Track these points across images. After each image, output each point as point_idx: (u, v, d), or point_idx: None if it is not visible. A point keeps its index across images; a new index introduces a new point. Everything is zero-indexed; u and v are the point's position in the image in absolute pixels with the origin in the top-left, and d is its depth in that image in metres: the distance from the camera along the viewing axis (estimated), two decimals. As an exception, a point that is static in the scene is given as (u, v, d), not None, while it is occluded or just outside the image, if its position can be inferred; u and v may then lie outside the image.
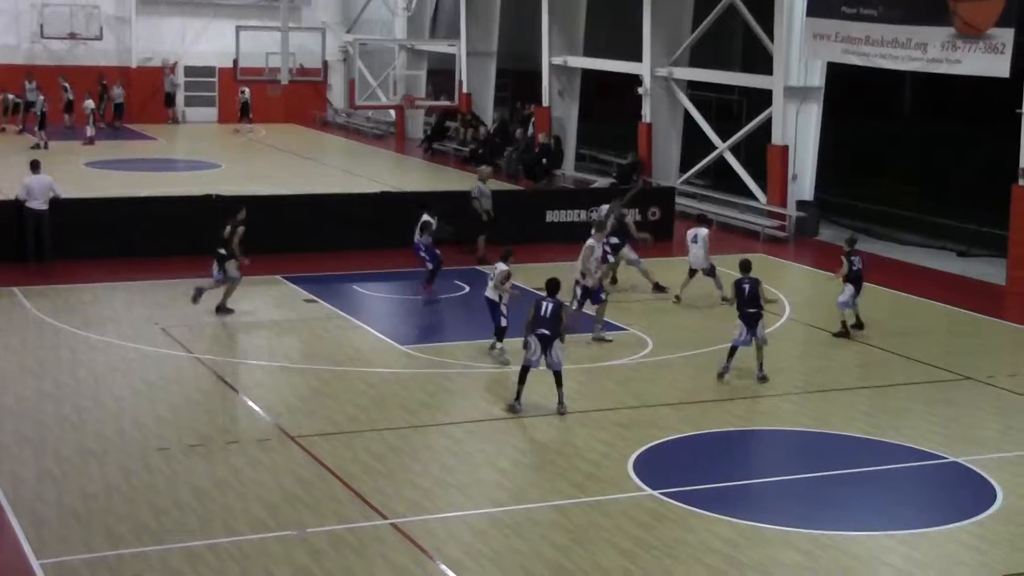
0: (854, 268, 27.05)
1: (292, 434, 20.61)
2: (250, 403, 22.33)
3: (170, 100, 62.50)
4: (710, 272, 29.78)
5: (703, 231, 29.84)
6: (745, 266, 24.73)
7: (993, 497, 18.77)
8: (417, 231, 29.30)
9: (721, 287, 29.26)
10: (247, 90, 58.03)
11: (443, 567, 16.01)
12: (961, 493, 19.19)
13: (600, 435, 20.94)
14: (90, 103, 54.25)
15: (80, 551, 16.24)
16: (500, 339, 24.90)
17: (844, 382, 24.45)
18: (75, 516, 17.28)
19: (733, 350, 24.14)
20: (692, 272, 29.90)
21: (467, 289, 30.01)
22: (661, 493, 18.46)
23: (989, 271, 34.23)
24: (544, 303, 22.07)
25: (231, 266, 27.56)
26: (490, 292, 24.84)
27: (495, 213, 33.60)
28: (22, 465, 19.08)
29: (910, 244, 38.22)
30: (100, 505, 17.65)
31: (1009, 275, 32.53)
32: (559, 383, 22.04)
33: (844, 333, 27.35)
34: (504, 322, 24.72)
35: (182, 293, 29.40)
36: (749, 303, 23.99)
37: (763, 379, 24.08)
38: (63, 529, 16.88)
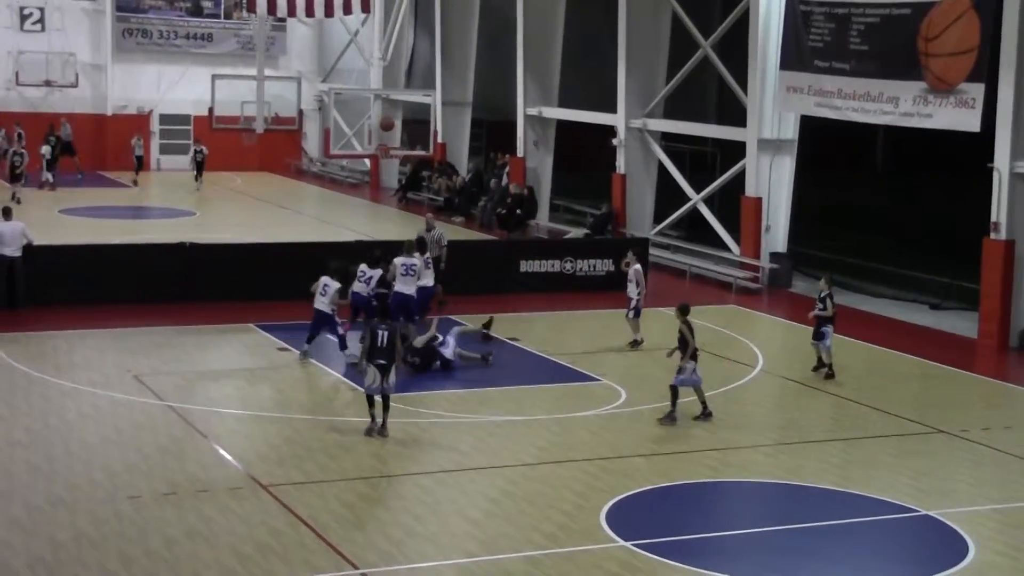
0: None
1: (263, 483, 20.50)
2: (221, 451, 22.21)
3: (69, 149, 58.58)
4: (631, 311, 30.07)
5: (638, 266, 30.32)
6: (686, 309, 25.34)
7: (965, 551, 18.73)
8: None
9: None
10: (204, 148, 56.02)
11: (414, 618, 15.95)
12: (933, 547, 19.16)
13: (572, 485, 20.86)
14: (47, 149, 53.76)
15: (48, 600, 16.14)
16: (345, 346, 27.64)
17: (816, 434, 24.43)
18: (44, 565, 17.12)
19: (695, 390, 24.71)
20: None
21: (440, 339, 29.95)
22: (633, 544, 18.39)
23: (961, 324, 34.30)
24: (380, 332, 23.02)
25: None
26: (323, 306, 27.32)
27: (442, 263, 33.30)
28: (-9, 514, 18.99)
29: (883, 297, 38.31)
30: (69, 554, 17.51)
31: (981, 328, 32.60)
32: (386, 407, 23.06)
33: (832, 374, 27.95)
34: (342, 330, 27.66)
35: (155, 341, 29.47)
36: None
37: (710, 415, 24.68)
38: (31, 578, 16.76)
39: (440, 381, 27.12)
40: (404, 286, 28.52)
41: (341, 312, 28.48)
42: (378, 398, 23.00)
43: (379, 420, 23.18)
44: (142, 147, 58.28)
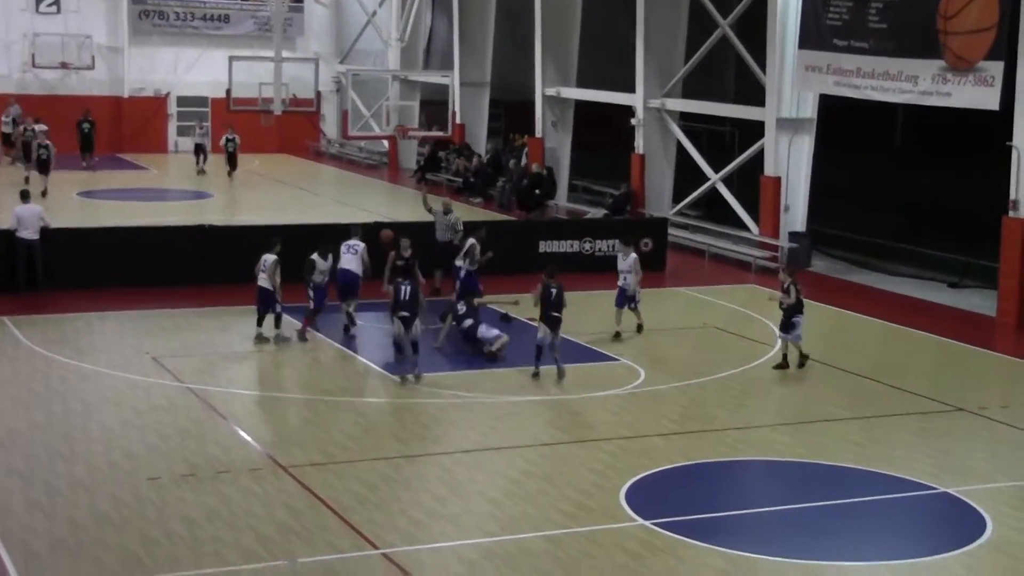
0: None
1: (283, 464, 20.61)
2: (241, 433, 22.32)
3: (7, 139, 56.28)
4: (633, 300, 29.43)
5: (634, 255, 29.63)
6: (552, 272, 26.36)
7: (983, 528, 18.80)
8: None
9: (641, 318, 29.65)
10: (236, 138, 54.10)
11: (434, 597, 16.04)
12: (952, 523, 19.24)
13: (592, 465, 20.95)
14: (42, 127, 53.09)
15: (71, 581, 16.26)
16: (279, 325, 28.07)
17: (835, 413, 24.47)
18: (65, 547, 17.25)
19: (540, 350, 25.82)
20: (623, 299, 29.42)
21: (455, 322, 30.04)
22: (653, 523, 18.46)
23: (980, 303, 34.30)
24: (403, 287, 25.30)
25: None
26: (264, 282, 27.72)
27: (446, 243, 33.43)
28: (11, 496, 19.06)
29: (901, 275, 38.32)
30: (90, 536, 17.63)
31: (999, 307, 32.60)
32: (416, 351, 25.31)
33: (803, 363, 27.16)
34: (279, 308, 27.92)
35: (173, 323, 29.62)
36: (555, 307, 25.70)
37: (561, 374, 25.74)
38: (53, 560, 16.85)
39: (460, 361, 27.21)
40: (347, 264, 28.95)
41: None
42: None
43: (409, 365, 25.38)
44: (205, 135, 56.46)
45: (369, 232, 30.58)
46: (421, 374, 25.36)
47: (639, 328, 29.70)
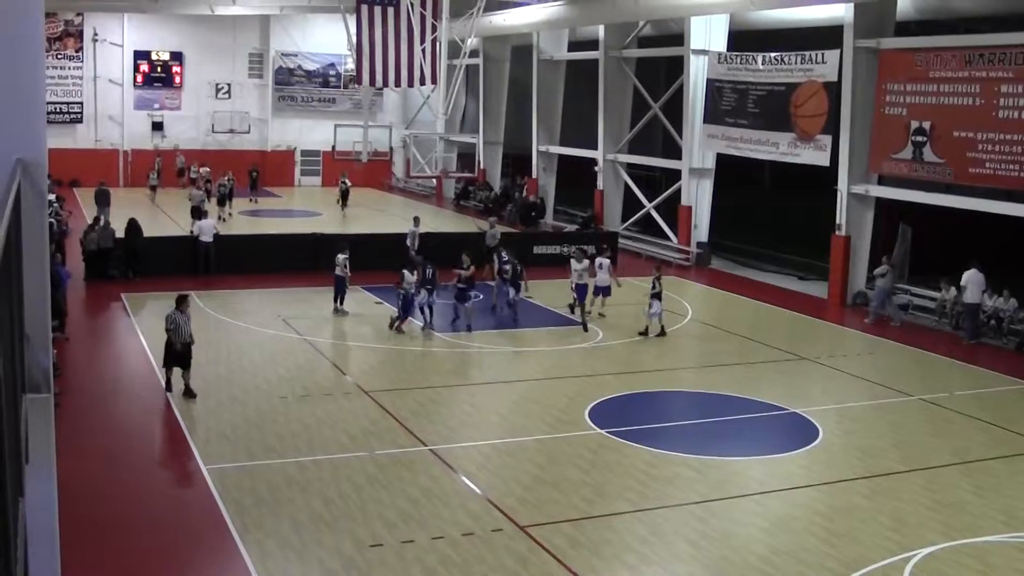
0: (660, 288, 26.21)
1: (366, 389, 20.74)
2: (338, 368, 22.44)
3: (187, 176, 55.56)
4: (608, 292, 28.29)
5: (607, 260, 28.70)
6: (513, 255, 27.92)
7: (817, 435, 18.93)
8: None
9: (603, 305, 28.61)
10: (348, 182, 51.80)
11: (462, 477, 16.13)
12: (797, 432, 19.31)
13: (567, 392, 21.05)
14: (206, 170, 51.88)
15: (230, 461, 16.42)
16: (343, 302, 27.81)
17: (724, 360, 24.52)
18: (226, 438, 17.44)
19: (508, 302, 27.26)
20: (597, 291, 28.16)
21: (480, 297, 30.03)
22: (606, 431, 18.58)
23: (818, 289, 34.23)
24: (427, 269, 25.93)
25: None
26: (339, 272, 27.59)
27: (494, 247, 33.42)
28: (194, 406, 19.26)
29: (768, 271, 38.28)
30: (242, 431, 17.80)
31: (829, 292, 32.65)
32: (432, 312, 25.99)
33: (645, 333, 26.14)
34: (345, 291, 27.66)
35: (295, 297, 29.63)
36: (519, 277, 27.39)
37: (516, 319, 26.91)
38: (218, 446, 17.04)
39: (480, 325, 27.19)
40: (408, 241, 32.28)
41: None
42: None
43: (430, 322, 25.89)
44: (348, 182, 52.45)
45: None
46: (434, 327, 25.87)
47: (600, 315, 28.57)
